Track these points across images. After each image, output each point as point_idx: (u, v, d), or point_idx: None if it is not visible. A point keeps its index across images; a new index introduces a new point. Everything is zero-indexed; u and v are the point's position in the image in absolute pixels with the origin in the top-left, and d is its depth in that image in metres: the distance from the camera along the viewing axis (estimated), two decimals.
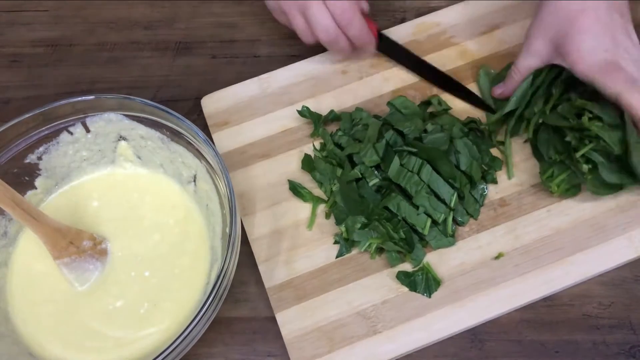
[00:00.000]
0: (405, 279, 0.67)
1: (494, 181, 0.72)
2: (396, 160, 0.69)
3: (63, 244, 0.67)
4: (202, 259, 0.69)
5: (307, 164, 0.75)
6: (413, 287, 0.67)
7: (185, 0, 0.90)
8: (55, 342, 0.66)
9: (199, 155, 0.68)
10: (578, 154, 0.67)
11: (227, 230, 0.62)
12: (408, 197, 0.70)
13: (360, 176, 0.71)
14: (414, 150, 0.70)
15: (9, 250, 0.71)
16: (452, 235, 0.69)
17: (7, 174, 0.67)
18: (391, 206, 0.69)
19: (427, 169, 0.69)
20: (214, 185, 0.68)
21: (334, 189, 0.72)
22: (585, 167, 0.67)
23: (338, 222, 0.70)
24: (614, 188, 0.68)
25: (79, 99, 0.69)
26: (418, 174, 0.69)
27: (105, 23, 0.89)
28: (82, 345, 0.66)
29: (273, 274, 0.69)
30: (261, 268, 0.70)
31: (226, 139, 0.77)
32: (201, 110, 0.81)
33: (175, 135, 0.69)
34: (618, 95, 0.64)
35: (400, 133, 0.72)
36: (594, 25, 0.66)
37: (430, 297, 0.67)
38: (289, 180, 0.74)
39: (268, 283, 0.69)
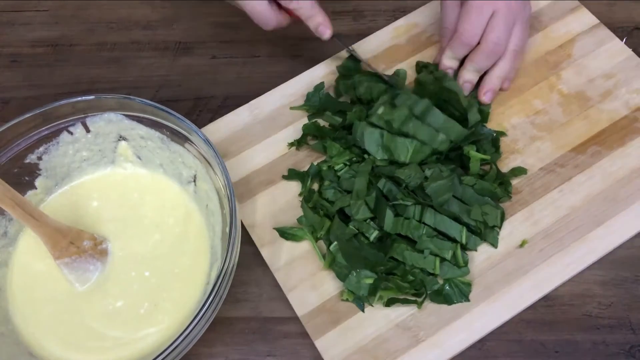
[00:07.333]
0: (439, 297, 0.66)
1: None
2: (389, 214, 0.68)
3: (63, 244, 0.67)
4: (202, 259, 0.69)
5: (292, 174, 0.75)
6: (450, 300, 0.66)
7: (185, 0, 0.90)
8: (55, 342, 0.66)
9: (199, 155, 0.68)
10: None
11: (227, 230, 0.62)
12: (410, 240, 0.68)
13: (357, 231, 0.69)
14: (410, 202, 0.68)
15: (9, 250, 0.71)
16: (466, 265, 0.67)
17: (7, 174, 0.67)
18: (396, 256, 0.67)
19: (430, 212, 0.68)
20: (214, 185, 0.68)
21: (332, 248, 0.68)
22: None
23: (341, 278, 0.67)
24: None
25: (79, 99, 0.69)
26: (420, 219, 0.68)
27: (105, 23, 0.89)
28: (82, 345, 0.66)
29: (303, 301, 0.67)
30: (290, 297, 0.68)
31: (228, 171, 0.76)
32: (201, 111, 0.81)
33: (175, 135, 0.69)
34: None
35: (395, 180, 0.70)
36: None
37: (469, 301, 0.66)
38: (275, 229, 0.71)
39: (300, 311, 0.67)
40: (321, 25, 0.75)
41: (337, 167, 0.73)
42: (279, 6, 0.74)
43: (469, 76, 0.76)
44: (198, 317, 0.58)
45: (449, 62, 0.76)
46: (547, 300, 0.67)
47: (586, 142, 0.74)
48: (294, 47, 0.85)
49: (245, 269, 0.71)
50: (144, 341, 0.65)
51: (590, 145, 0.74)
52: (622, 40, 0.80)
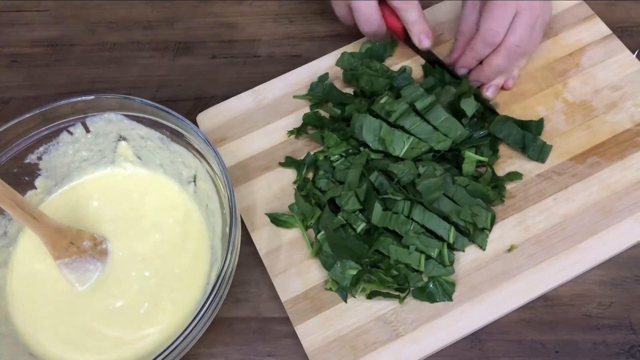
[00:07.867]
0: (422, 294, 0.67)
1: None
2: (377, 207, 0.68)
3: (63, 244, 0.67)
4: (202, 259, 0.69)
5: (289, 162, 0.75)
6: (432, 298, 0.66)
7: (185, 0, 0.90)
8: (55, 342, 0.66)
9: (199, 155, 0.68)
10: None
11: (227, 230, 0.62)
12: (398, 234, 0.68)
13: (345, 222, 0.69)
14: (400, 197, 0.68)
15: (9, 250, 0.71)
16: (451, 264, 0.67)
17: (7, 174, 0.67)
18: (382, 249, 0.68)
19: (419, 208, 0.68)
20: (214, 185, 0.68)
21: (319, 237, 0.69)
22: None
23: (326, 268, 0.68)
24: None
25: (79, 99, 0.69)
26: (409, 215, 0.68)
27: (105, 23, 0.89)
28: (82, 345, 0.66)
29: (288, 287, 0.68)
30: (275, 282, 0.69)
31: (225, 155, 0.76)
32: (200, 110, 0.81)
33: (175, 135, 0.69)
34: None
35: (387, 174, 0.70)
36: None
37: (452, 300, 0.66)
38: (267, 214, 0.72)
39: (284, 296, 0.68)
40: (423, 33, 0.75)
41: (333, 158, 0.73)
42: (382, 11, 0.75)
43: (489, 76, 0.75)
44: (198, 317, 0.58)
45: (469, 63, 0.75)
46: (547, 300, 0.67)
47: (586, 152, 0.74)
48: (294, 47, 0.85)
49: (245, 268, 0.71)
50: (144, 341, 0.65)
51: (590, 156, 0.73)
52: (633, 53, 0.79)
